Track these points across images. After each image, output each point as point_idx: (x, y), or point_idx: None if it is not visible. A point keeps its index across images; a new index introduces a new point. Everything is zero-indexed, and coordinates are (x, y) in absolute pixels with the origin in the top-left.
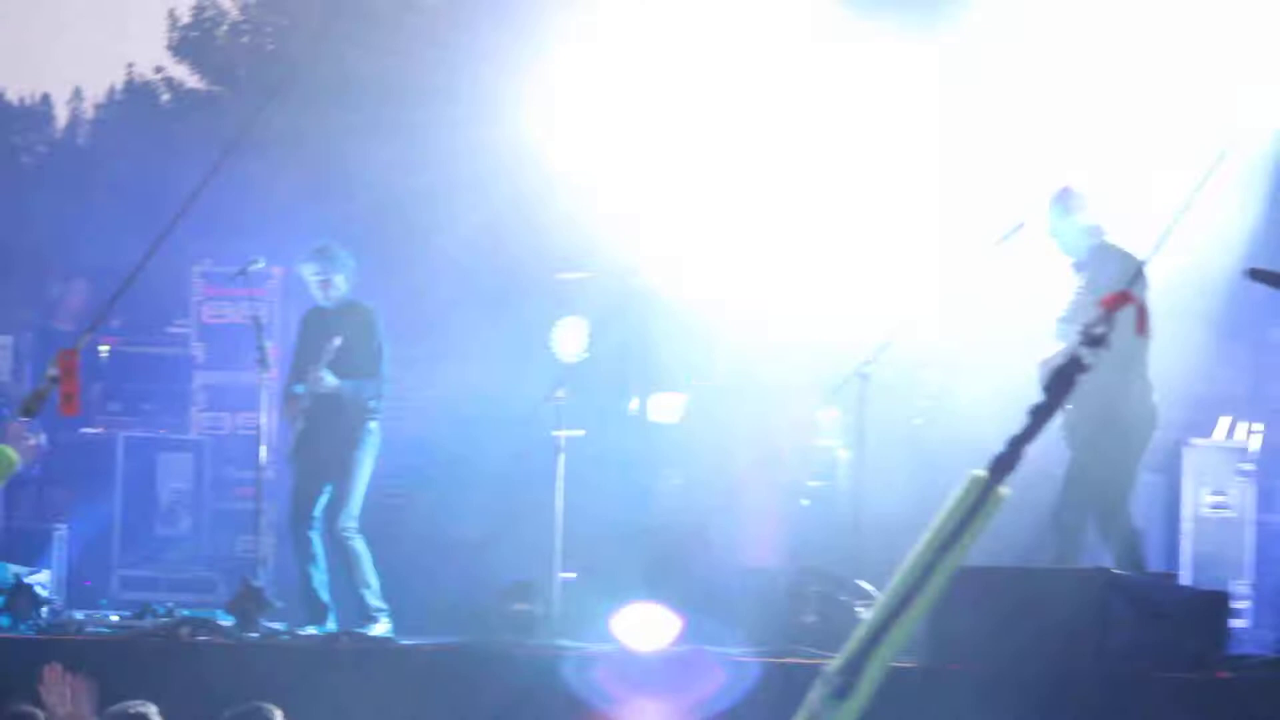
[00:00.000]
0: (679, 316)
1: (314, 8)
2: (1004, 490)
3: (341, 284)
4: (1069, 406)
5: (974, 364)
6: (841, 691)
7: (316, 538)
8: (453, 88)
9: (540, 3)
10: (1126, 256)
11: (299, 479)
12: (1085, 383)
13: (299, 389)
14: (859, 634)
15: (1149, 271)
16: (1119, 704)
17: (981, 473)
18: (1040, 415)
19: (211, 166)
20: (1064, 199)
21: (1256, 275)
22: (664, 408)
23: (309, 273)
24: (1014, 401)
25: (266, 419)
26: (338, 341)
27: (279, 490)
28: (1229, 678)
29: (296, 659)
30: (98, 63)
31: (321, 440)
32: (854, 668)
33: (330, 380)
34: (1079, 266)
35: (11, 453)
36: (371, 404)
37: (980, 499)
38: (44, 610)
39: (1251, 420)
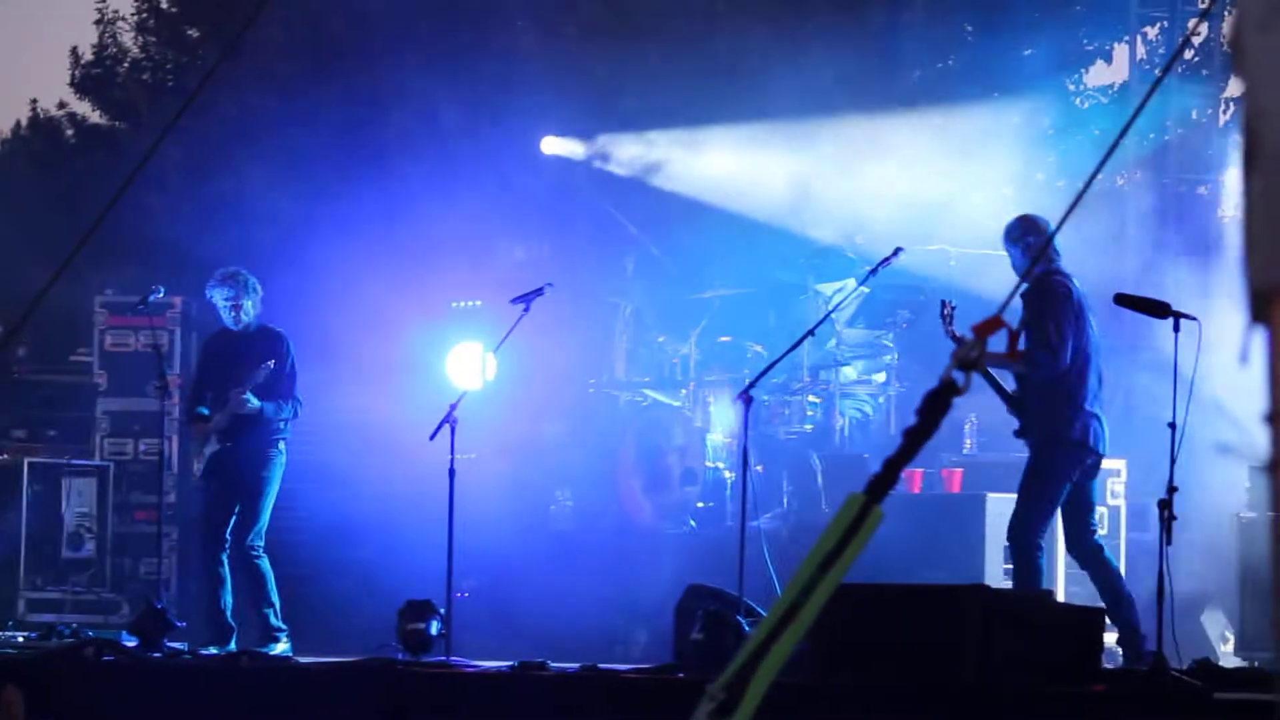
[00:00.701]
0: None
1: (212, 46)
2: (880, 510)
3: (250, 308)
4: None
5: (854, 386)
6: (726, 708)
7: (226, 560)
8: (353, 119)
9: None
10: (1057, 287)
11: (211, 500)
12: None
13: (204, 410)
14: (743, 651)
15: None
16: (998, 716)
17: (860, 493)
18: (915, 438)
19: (111, 198)
20: (1009, 228)
21: (1123, 301)
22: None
23: (220, 297)
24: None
25: (169, 445)
26: (271, 364)
27: (181, 514)
28: (1103, 690)
29: (199, 679)
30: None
31: (234, 462)
32: (738, 684)
33: (254, 402)
34: (1024, 295)
35: None
36: (281, 425)
37: (859, 518)
38: None
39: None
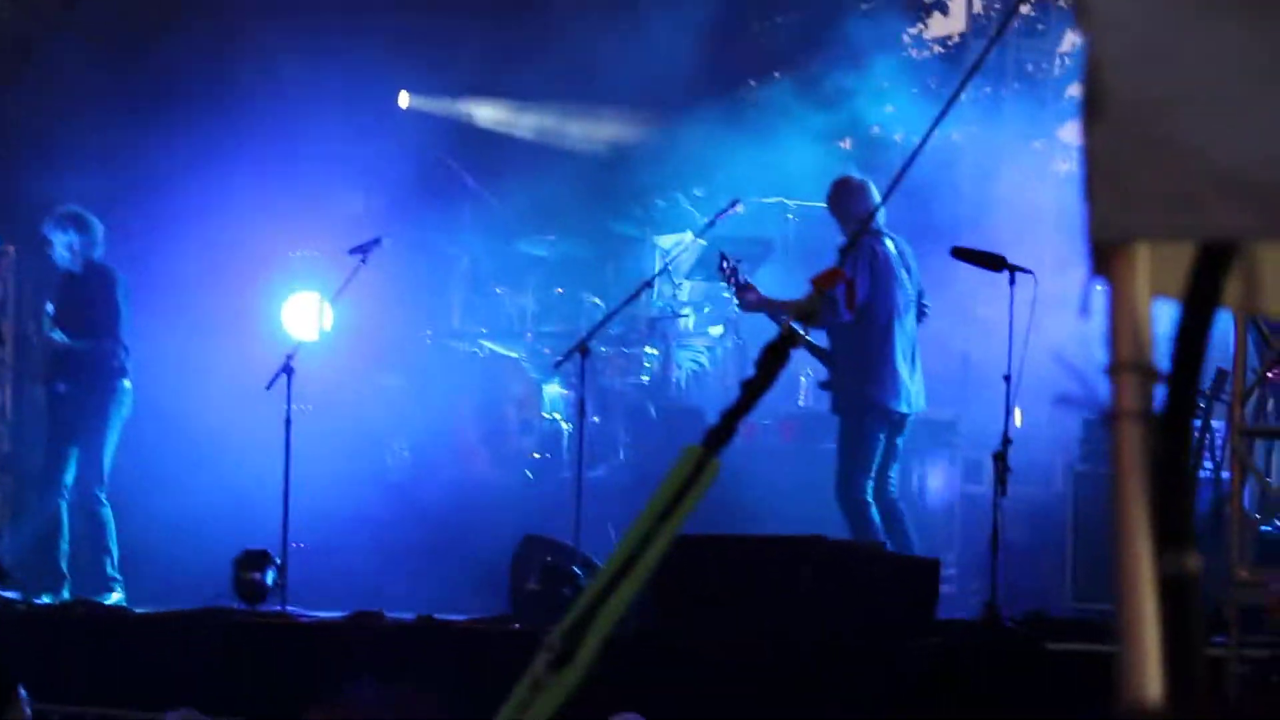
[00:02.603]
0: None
1: None
2: (718, 461)
3: (89, 249)
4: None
5: (692, 339)
6: (564, 657)
7: (64, 506)
8: (197, 69)
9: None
10: (859, 247)
11: (49, 446)
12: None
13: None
14: (581, 601)
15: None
16: (832, 666)
17: (697, 446)
18: (753, 390)
19: None
20: (832, 188)
21: (960, 254)
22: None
23: (58, 239)
24: (729, 375)
25: (3, 393)
26: (56, 306)
27: (15, 462)
28: (936, 641)
29: (32, 628)
30: None
31: (69, 406)
32: (576, 634)
33: (59, 338)
34: (842, 252)
35: None
36: (119, 364)
37: (696, 470)
38: None
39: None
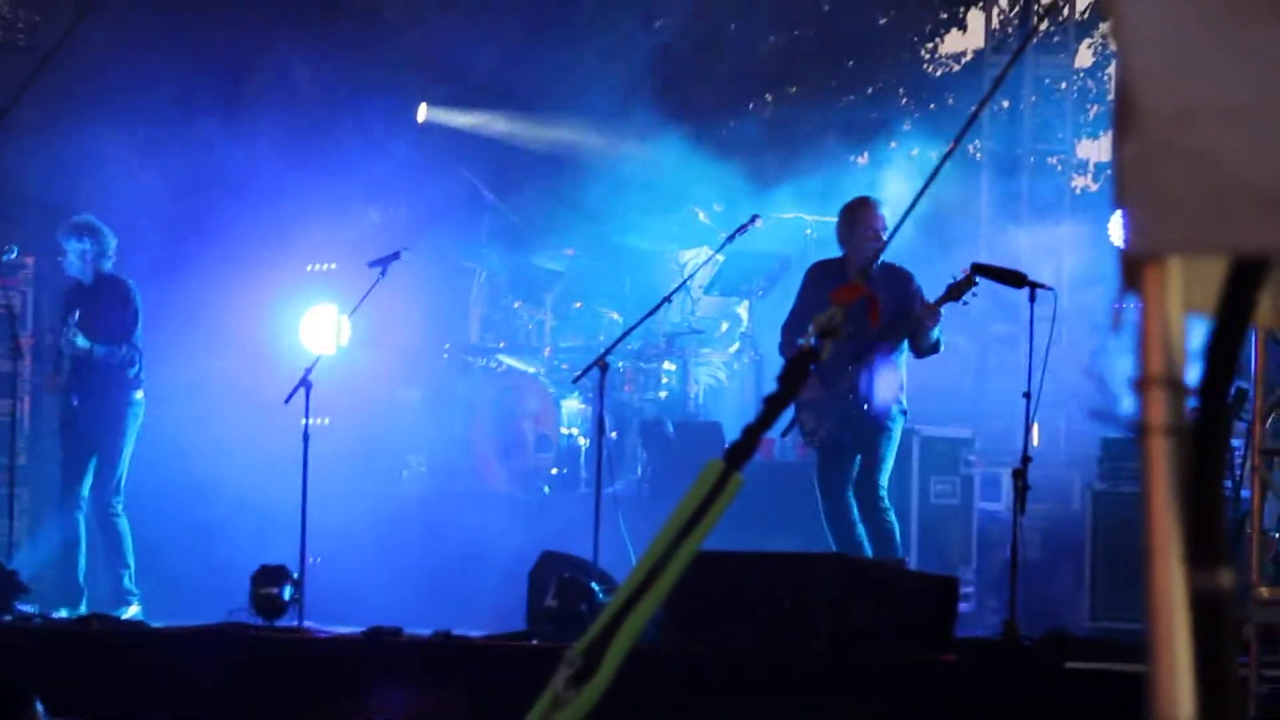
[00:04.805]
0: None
1: (67, 5)
2: (740, 477)
3: (101, 259)
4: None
5: (709, 354)
6: (584, 673)
7: (82, 519)
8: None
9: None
10: (894, 268)
11: (65, 458)
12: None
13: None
14: (601, 616)
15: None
16: (850, 684)
17: (719, 460)
18: (774, 404)
19: None
20: (846, 211)
21: (980, 270)
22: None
23: (72, 246)
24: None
25: (21, 406)
26: (77, 313)
27: (34, 476)
28: (954, 659)
29: (49, 642)
30: None
31: (86, 417)
32: (597, 650)
33: (81, 341)
34: (863, 275)
35: None
36: (134, 374)
37: (718, 485)
38: None
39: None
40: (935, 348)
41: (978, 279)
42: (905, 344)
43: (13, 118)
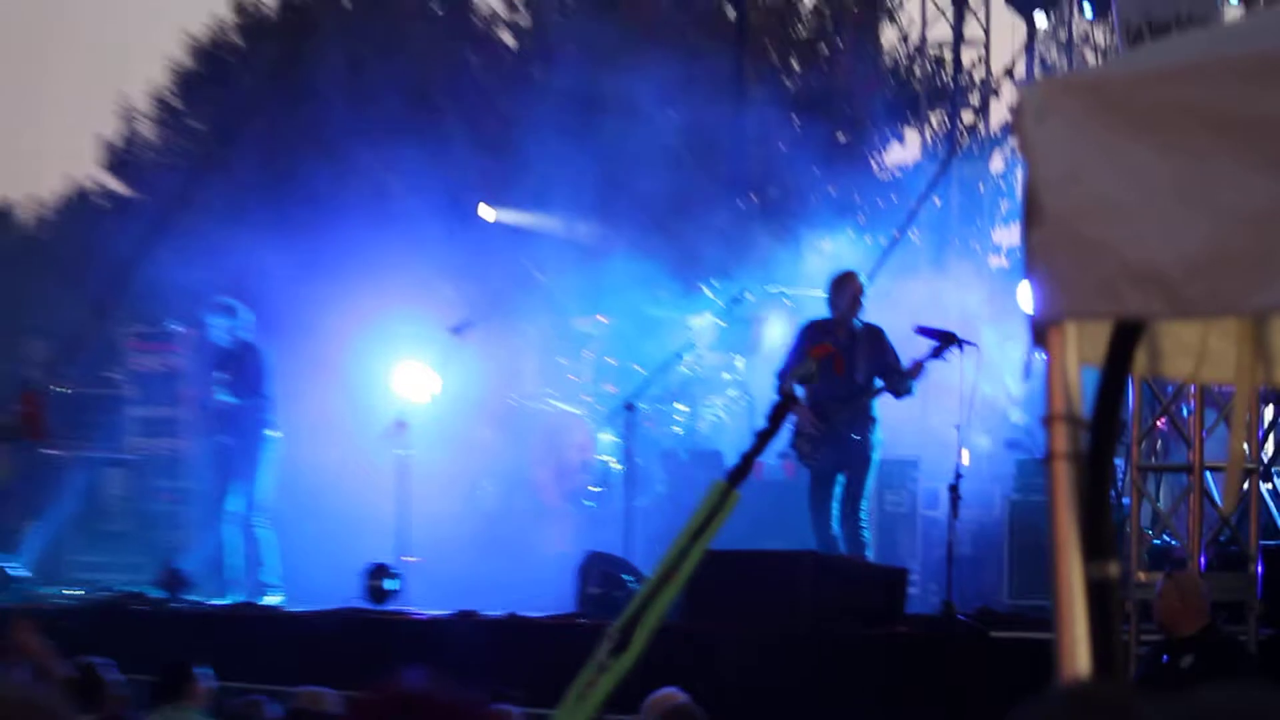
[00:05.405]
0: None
1: (209, 140)
2: (738, 493)
3: (239, 330)
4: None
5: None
6: (620, 647)
7: (231, 530)
8: (319, 189)
9: None
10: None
11: (217, 483)
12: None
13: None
14: (633, 601)
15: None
16: (828, 654)
17: (722, 480)
18: (763, 436)
19: (132, 257)
20: (834, 281)
21: (921, 331)
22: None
23: (217, 321)
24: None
25: (183, 443)
26: (223, 373)
27: (194, 496)
28: (906, 631)
29: (209, 623)
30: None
31: (231, 449)
32: (629, 628)
33: (220, 396)
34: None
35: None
36: (266, 418)
37: (721, 500)
38: (16, 586)
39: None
40: (909, 391)
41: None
42: (882, 388)
43: (171, 227)
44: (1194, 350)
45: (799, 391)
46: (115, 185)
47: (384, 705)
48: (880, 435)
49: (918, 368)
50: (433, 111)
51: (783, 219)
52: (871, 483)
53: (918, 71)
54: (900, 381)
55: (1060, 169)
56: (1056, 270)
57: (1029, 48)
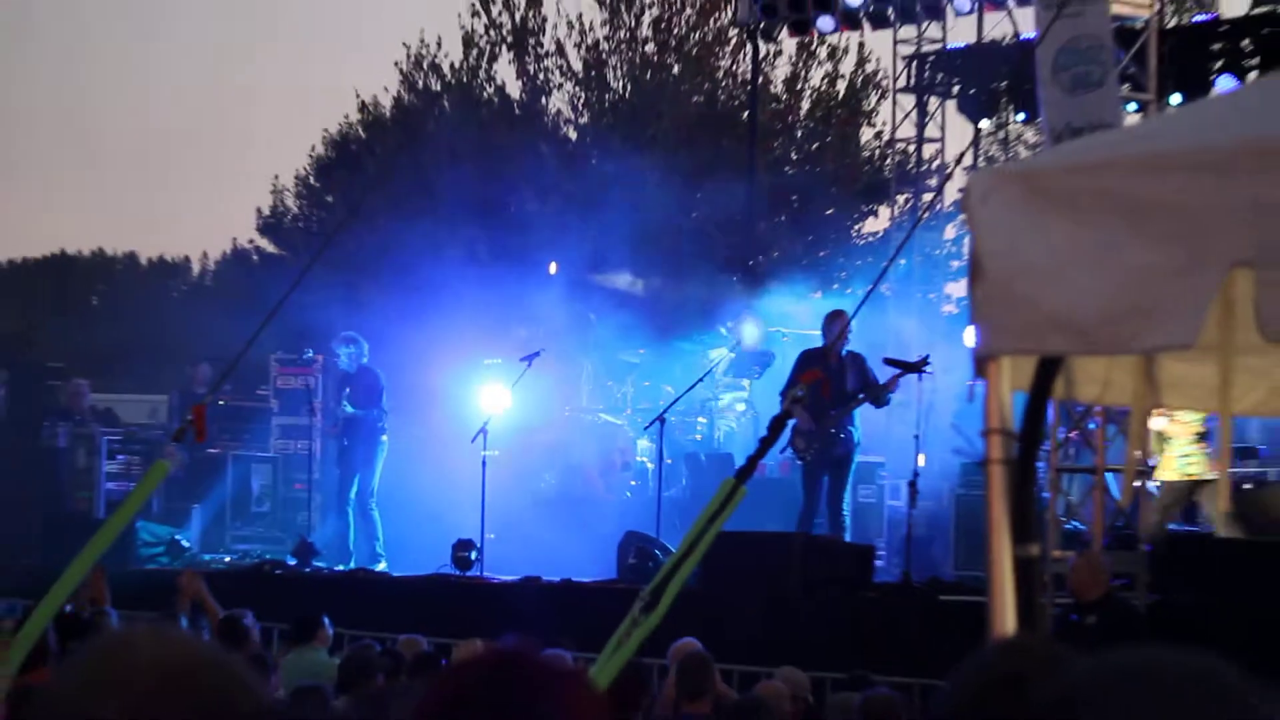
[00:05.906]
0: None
1: (340, 211)
2: (744, 489)
3: (360, 357)
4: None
5: (726, 413)
6: (650, 605)
7: (350, 511)
8: (425, 252)
9: None
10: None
11: (340, 474)
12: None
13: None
14: (661, 570)
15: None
16: (813, 612)
17: (731, 478)
18: (765, 443)
19: (278, 303)
20: (827, 318)
21: (889, 361)
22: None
23: (343, 350)
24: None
25: (315, 445)
26: (347, 390)
27: (321, 485)
28: (873, 595)
29: (334, 585)
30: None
31: (353, 449)
32: (658, 591)
33: (348, 408)
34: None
35: (166, 463)
36: (381, 425)
37: (730, 493)
38: (185, 553)
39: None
40: (887, 402)
41: (928, 366)
42: (864, 399)
43: (308, 275)
44: (1100, 379)
45: (793, 408)
46: (266, 245)
47: (483, 665)
48: (860, 437)
49: (893, 381)
50: (511, 190)
51: (782, 275)
52: (851, 477)
53: (889, 161)
54: (879, 394)
55: (999, 240)
56: (994, 318)
57: (975, 144)
